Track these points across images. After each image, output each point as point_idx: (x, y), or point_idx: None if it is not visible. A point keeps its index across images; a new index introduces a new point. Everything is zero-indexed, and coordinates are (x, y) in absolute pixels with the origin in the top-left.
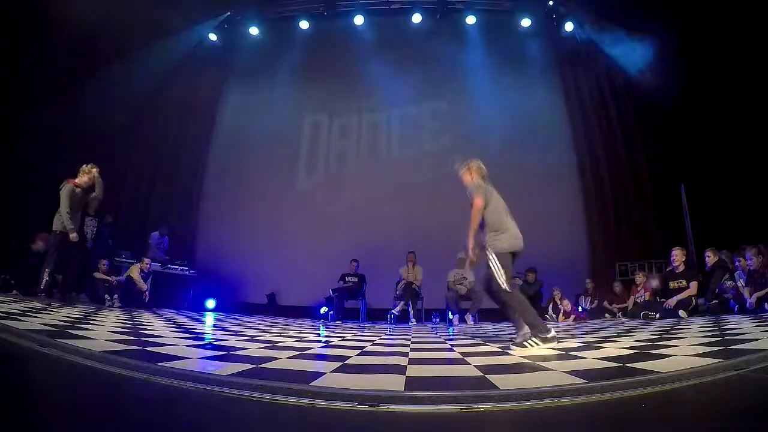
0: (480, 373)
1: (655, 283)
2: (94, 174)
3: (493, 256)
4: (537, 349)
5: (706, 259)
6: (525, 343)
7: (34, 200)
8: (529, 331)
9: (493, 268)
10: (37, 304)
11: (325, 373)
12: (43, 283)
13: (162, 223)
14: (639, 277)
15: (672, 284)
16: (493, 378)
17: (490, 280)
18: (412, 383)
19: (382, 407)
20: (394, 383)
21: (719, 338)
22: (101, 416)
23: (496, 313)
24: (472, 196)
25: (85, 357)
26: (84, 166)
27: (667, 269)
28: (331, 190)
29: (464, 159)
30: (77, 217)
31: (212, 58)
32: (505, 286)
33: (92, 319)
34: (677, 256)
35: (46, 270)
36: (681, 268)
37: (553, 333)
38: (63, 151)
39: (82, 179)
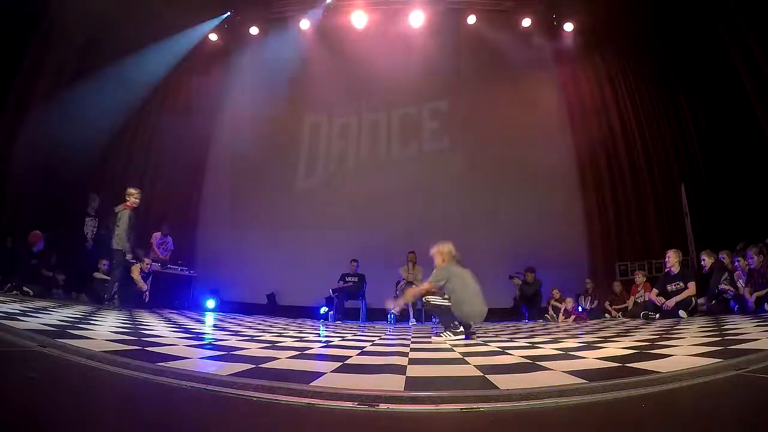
0: (480, 373)
1: (654, 292)
2: (138, 196)
3: (443, 304)
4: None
5: (702, 262)
6: (442, 334)
7: (32, 201)
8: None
9: (435, 303)
10: (38, 304)
11: (325, 373)
12: (112, 293)
13: (163, 223)
14: (639, 278)
15: (670, 287)
16: (493, 378)
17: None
18: (412, 383)
19: (383, 407)
20: (395, 383)
21: (719, 338)
22: (101, 416)
23: (496, 313)
24: (431, 278)
25: (85, 357)
26: (129, 189)
27: (665, 271)
28: (331, 190)
29: (437, 243)
30: (131, 235)
31: (212, 58)
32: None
33: (92, 319)
34: (671, 258)
35: (116, 283)
36: (676, 269)
37: (458, 332)
38: (61, 151)
39: (131, 201)
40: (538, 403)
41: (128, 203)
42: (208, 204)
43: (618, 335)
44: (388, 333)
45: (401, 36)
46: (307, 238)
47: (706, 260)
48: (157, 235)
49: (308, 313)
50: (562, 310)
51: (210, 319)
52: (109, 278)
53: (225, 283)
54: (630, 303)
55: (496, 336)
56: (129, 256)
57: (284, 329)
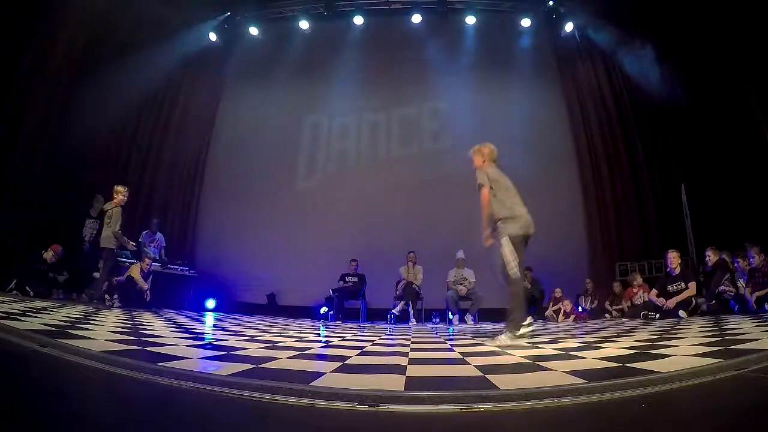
0: (480, 373)
1: (654, 292)
2: (126, 193)
3: (505, 241)
4: (508, 341)
5: (707, 258)
6: (497, 338)
7: (32, 200)
8: (509, 323)
9: (504, 253)
10: (37, 304)
11: (325, 373)
12: (101, 291)
13: (151, 220)
14: (638, 279)
15: (670, 288)
16: (493, 378)
17: (502, 265)
18: (412, 383)
19: (382, 407)
20: (395, 383)
21: (719, 338)
22: (101, 416)
23: (497, 313)
24: (479, 187)
25: (85, 357)
26: (117, 186)
27: (665, 272)
28: (331, 190)
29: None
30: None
31: (212, 58)
32: (515, 271)
33: (92, 319)
34: (673, 259)
35: (105, 281)
36: (677, 270)
37: (523, 331)
38: (61, 151)
39: (118, 198)
40: (538, 403)
41: (116, 200)
42: (208, 204)
43: (618, 335)
44: (388, 333)
45: (401, 36)
46: (307, 237)
47: (711, 256)
48: (144, 234)
49: (308, 313)
50: (561, 311)
51: (210, 319)
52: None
53: (225, 283)
54: (624, 306)
55: (496, 336)
56: (131, 245)
57: (284, 329)
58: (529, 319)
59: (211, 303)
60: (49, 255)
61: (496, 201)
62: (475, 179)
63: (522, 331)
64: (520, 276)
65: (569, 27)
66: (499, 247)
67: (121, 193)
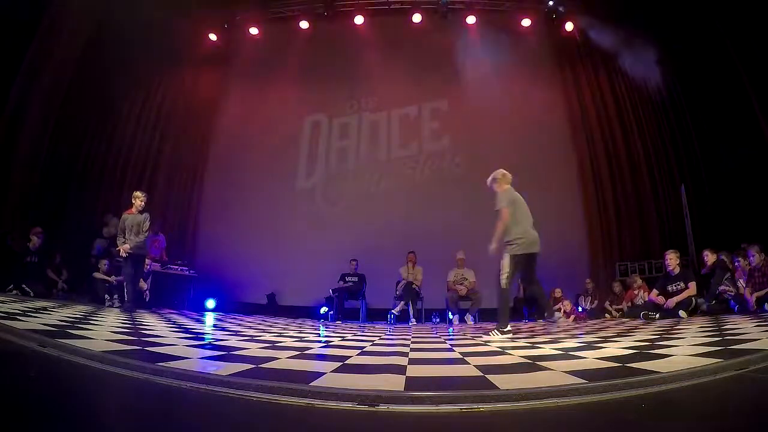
0: (480, 373)
1: (654, 293)
2: (144, 199)
3: (506, 257)
4: (498, 339)
5: (705, 258)
6: (491, 333)
7: (32, 199)
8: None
9: (503, 264)
10: (38, 304)
11: (325, 373)
12: (128, 296)
13: (155, 221)
14: (636, 281)
15: (670, 288)
16: (493, 378)
17: (499, 272)
18: (412, 383)
19: (382, 407)
20: (395, 383)
21: (719, 338)
22: (101, 416)
23: (497, 313)
24: (500, 209)
25: (85, 357)
26: (135, 192)
27: (665, 272)
28: (331, 189)
29: (492, 174)
30: (131, 236)
31: (212, 58)
32: (503, 282)
33: (92, 319)
34: (672, 260)
35: (126, 283)
36: (677, 271)
37: (509, 327)
38: (61, 151)
39: (137, 204)
40: (538, 403)
41: (134, 206)
42: (209, 204)
43: (618, 335)
44: (388, 333)
45: (401, 36)
46: (307, 238)
47: (709, 256)
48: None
49: (308, 313)
50: (561, 312)
51: (210, 319)
52: (108, 278)
53: (225, 283)
54: (625, 306)
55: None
56: (125, 247)
57: (284, 329)
58: (509, 327)
59: (211, 303)
60: (33, 240)
61: (512, 222)
62: (497, 201)
63: (506, 329)
64: (506, 287)
65: (569, 27)
66: (502, 259)
67: (139, 198)
